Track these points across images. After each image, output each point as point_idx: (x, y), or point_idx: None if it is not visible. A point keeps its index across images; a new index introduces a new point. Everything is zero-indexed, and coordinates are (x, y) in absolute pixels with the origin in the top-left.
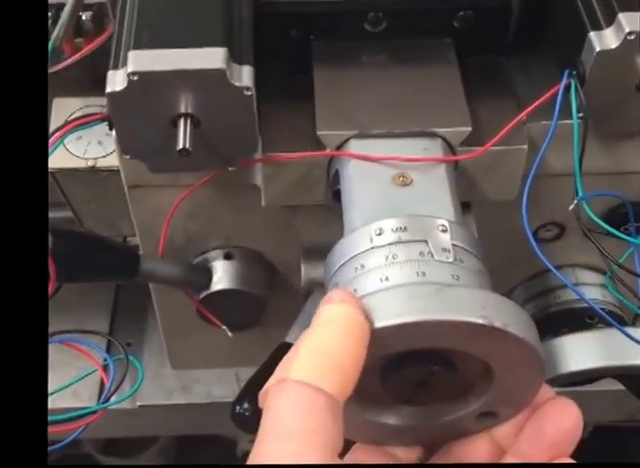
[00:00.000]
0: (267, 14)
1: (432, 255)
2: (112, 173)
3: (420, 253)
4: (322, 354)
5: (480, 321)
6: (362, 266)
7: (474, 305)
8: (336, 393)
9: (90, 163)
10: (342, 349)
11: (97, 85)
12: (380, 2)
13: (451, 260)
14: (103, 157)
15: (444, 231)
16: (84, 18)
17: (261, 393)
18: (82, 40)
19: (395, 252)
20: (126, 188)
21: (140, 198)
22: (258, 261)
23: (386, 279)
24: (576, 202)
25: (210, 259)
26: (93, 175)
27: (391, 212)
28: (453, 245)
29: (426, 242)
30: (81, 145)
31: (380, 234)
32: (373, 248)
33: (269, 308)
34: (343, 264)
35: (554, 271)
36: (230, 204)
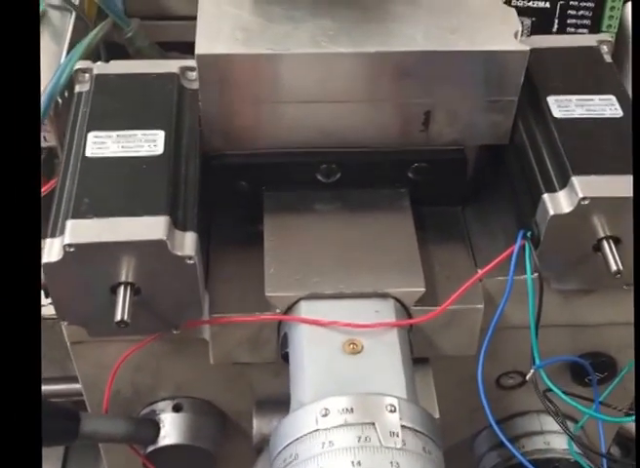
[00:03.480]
0: (217, 167)
1: (380, 441)
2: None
3: (359, 438)
4: None
5: None
6: (296, 455)
7: None
8: None
9: None
10: None
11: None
12: (332, 154)
13: (399, 446)
14: (49, 304)
15: (392, 411)
16: None
17: None
18: None
19: (332, 438)
20: (68, 344)
21: (83, 353)
22: (208, 412)
23: None
24: (533, 371)
25: (158, 411)
26: None
27: (340, 386)
28: (402, 426)
29: (374, 425)
30: None
31: (325, 415)
32: (317, 430)
33: (221, 458)
34: (285, 447)
35: (494, 426)
36: (179, 356)
